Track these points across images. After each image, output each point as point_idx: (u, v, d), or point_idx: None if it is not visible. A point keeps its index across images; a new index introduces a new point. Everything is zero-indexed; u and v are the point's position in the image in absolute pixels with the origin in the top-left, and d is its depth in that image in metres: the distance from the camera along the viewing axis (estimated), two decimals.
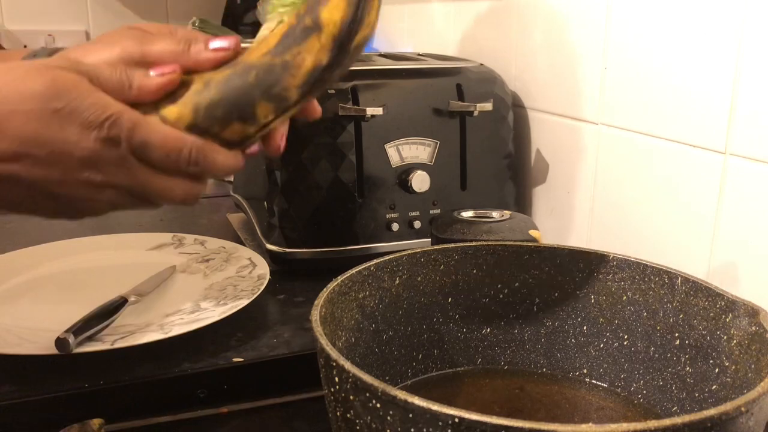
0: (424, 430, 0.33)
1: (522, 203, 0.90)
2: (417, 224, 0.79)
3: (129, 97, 0.48)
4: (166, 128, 0.48)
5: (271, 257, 0.77)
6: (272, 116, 0.49)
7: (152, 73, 0.49)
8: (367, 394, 0.35)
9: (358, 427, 0.36)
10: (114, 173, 0.46)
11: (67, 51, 0.56)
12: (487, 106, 0.80)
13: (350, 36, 0.47)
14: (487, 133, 0.82)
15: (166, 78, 0.49)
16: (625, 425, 0.31)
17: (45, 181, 0.45)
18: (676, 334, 0.49)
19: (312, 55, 0.47)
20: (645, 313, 0.51)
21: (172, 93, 0.49)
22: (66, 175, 0.45)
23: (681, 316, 0.49)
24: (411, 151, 0.78)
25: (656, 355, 0.51)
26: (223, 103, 0.48)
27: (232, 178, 0.99)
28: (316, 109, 0.57)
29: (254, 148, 0.54)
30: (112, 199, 0.48)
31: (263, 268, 0.73)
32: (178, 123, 0.48)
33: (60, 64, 0.46)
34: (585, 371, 0.55)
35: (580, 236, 0.81)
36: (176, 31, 0.56)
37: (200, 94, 0.48)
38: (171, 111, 0.48)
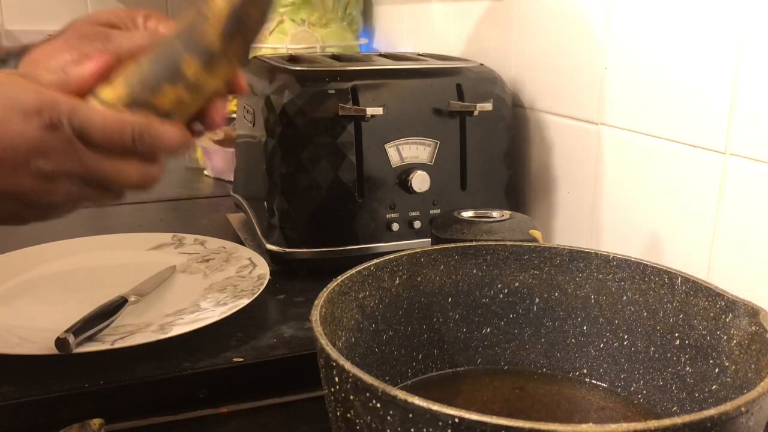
0: (424, 430, 0.33)
1: (522, 203, 0.90)
2: (417, 224, 0.79)
3: (70, 88, 0.48)
4: (104, 109, 0.47)
5: (271, 257, 0.77)
6: (200, 71, 0.49)
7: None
8: (367, 394, 0.35)
9: (358, 427, 0.36)
10: (63, 160, 0.46)
11: (30, 53, 0.57)
12: (487, 106, 0.80)
13: None
14: (487, 133, 0.82)
15: (99, 60, 0.49)
16: (625, 425, 0.31)
17: None
18: (676, 334, 0.49)
19: None
20: (645, 313, 0.51)
21: (111, 79, 0.50)
22: (15, 169, 0.45)
23: (681, 316, 0.49)
24: (411, 151, 0.78)
25: (656, 355, 0.51)
26: (153, 70, 0.49)
27: (232, 178, 0.99)
28: (242, 84, 0.56)
29: (199, 128, 0.54)
30: (69, 190, 0.47)
31: (263, 268, 0.73)
32: (116, 102, 0.48)
33: None
34: (585, 371, 0.55)
35: (580, 236, 0.81)
36: (136, 16, 0.57)
37: (133, 71, 0.49)
38: (107, 92, 0.49)
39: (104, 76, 0.49)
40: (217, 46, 0.49)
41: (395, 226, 0.78)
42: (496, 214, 0.68)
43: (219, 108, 0.54)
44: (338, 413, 0.38)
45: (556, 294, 0.55)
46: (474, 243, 0.56)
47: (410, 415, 0.33)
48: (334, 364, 0.37)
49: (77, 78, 0.48)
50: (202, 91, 0.51)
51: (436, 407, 0.32)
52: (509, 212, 0.68)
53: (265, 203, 0.78)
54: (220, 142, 1.22)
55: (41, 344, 0.57)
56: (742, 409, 0.33)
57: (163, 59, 0.49)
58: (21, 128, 0.44)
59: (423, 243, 0.77)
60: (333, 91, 0.75)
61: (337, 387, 0.37)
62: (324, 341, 0.39)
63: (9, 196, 0.46)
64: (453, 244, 0.55)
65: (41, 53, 0.56)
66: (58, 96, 0.46)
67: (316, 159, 0.75)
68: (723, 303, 0.46)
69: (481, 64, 0.87)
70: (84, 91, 0.49)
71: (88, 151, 0.46)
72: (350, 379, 0.36)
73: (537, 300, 0.56)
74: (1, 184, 0.45)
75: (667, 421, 0.31)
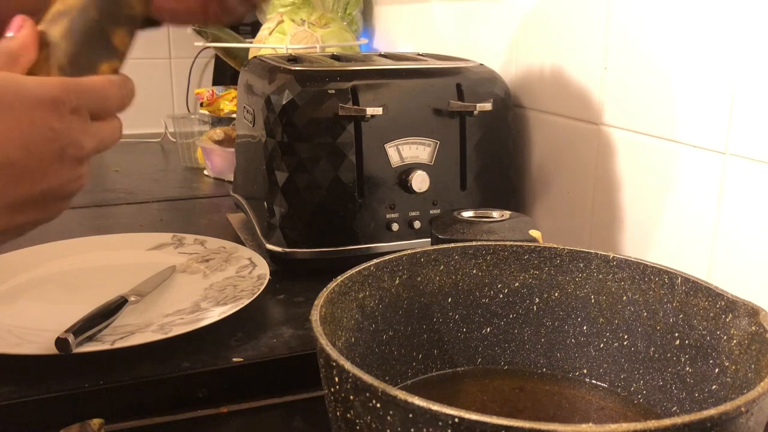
0: (424, 430, 0.33)
1: (522, 203, 0.90)
2: (417, 224, 0.79)
3: (20, 67, 0.45)
4: (96, 78, 0.46)
5: (271, 257, 0.77)
6: (129, 38, 0.48)
7: (10, 34, 0.46)
8: (367, 394, 0.35)
9: (358, 427, 0.36)
10: (86, 141, 0.44)
11: None
12: (487, 106, 0.80)
13: None
14: (487, 133, 0.82)
15: (28, 28, 0.46)
16: (625, 425, 0.31)
17: (33, 183, 0.43)
18: (676, 334, 0.49)
19: None
20: (645, 313, 0.51)
21: (34, 67, 0.46)
22: (51, 165, 0.43)
23: (681, 316, 0.49)
24: (411, 151, 0.78)
25: (656, 355, 0.51)
26: (81, 52, 0.46)
27: (232, 178, 0.99)
28: None
29: None
30: (89, 170, 0.46)
31: (263, 268, 0.73)
32: None
33: None
34: (585, 371, 0.55)
35: (580, 236, 0.81)
36: None
37: (54, 55, 0.46)
38: None
39: (39, 41, 0.46)
40: (140, 10, 0.48)
41: (395, 226, 0.78)
42: (496, 214, 0.68)
43: None
44: (338, 413, 0.38)
45: (556, 294, 0.55)
46: (474, 243, 0.56)
47: (410, 415, 0.33)
48: (334, 364, 0.37)
49: (21, 47, 0.45)
50: (129, 50, 0.49)
51: (436, 407, 0.32)
52: (509, 212, 0.68)
53: (265, 203, 0.78)
54: (220, 142, 1.22)
55: (41, 344, 0.57)
56: (742, 409, 0.33)
57: (88, 39, 0.46)
58: (49, 123, 0.42)
59: (423, 243, 0.78)
60: (333, 91, 0.75)
61: (337, 387, 0.37)
62: (324, 341, 0.39)
63: (48, 195, 0.44)
64: (453, 244, 0.55)
65: None
66: (64, 79, 0.44)
67: (316, 159, 0.75)
68: (723, 303, 0.46)
69: (481, 64, 0.87)
70: (30, 63, 0.46)
71: (95, 124, 0.45)
72: (350, 379, 0.36)
73: (537, 300, 0.56)
74: (43, 183, 0.43)
75: (667, 421, 0.31)
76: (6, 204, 0.43)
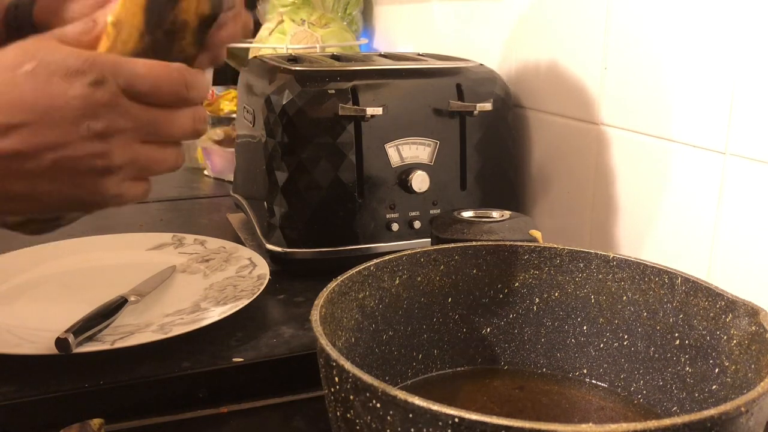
0: (424, 430, 0.33)
1: (522, 203, 0.90)
2: (417, 224, 0.79)
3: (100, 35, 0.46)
4: (147, 60, 0.45)
5: (271, 257, 0.77)
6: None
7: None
8: (367, 394, 0.35)
9: (358, 427, 0.36)
10: (113, 117, 0.44)
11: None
12: (487, 106, 0.80)
13: None
14: (487, 133, 0.82)
15: None
16: (625, 425, 0.31)
17: (47, 148, 0.43)
18: (676, 334, 0.49)
19: None
20: (645, 313, 0.51)
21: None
22: (67, 134, 0.43)
23: (681, 316, 0.49)
24: (411, 151, 0.78)
25: (656, 355, 0.51)
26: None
27: (232, 178, 0.99)
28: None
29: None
30: (125, 149, 0.45)
31: (263, 268, 0.73)
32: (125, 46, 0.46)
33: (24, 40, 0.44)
34: (585, 371, 0.55)
35: (580, 236, 0.81)
36: None
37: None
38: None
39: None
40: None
41: (395, 226, 0.78)
42: (496, 214, 0.68)
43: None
44: (338, 413, 0.38)
45: (556, 294, 0.55)
46: (474, 243, 0.56)
47: (410, 415, 0.33)
48: (334, 364, 0.37)
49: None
50: (202, 38, 0.48)
51: (436, 407, 0.32)
52: (509, 212, 0.68)
53: (265, 203, 0.78)
54: (220, 142, 1.22)
55: (41, 344, 0.57)
56: (742, 409, 0.33)
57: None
58: (63, 88, 0.42)
59: (423, 243, 0.77)
60: (333, 91, 0.75)
61: (337, 387, 0.37)
62: (324, 341, 0.39)
63: (60, 170, 0.44)
64: (453, 244, 0.55)
65: None
66: (96, 53, 0.44)
67: (316, 159, 0.75)
68: (723, 303, 0.46)
69: (481, 64, 0.87)
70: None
71: (137, 105, 0.45)
72: (350, 379, 0.36)
73: (537, 300, 0.56)
74: (51, 154, 0.43)
75: (667, 421, 0.31)
76: (25, 170, 0.43)
